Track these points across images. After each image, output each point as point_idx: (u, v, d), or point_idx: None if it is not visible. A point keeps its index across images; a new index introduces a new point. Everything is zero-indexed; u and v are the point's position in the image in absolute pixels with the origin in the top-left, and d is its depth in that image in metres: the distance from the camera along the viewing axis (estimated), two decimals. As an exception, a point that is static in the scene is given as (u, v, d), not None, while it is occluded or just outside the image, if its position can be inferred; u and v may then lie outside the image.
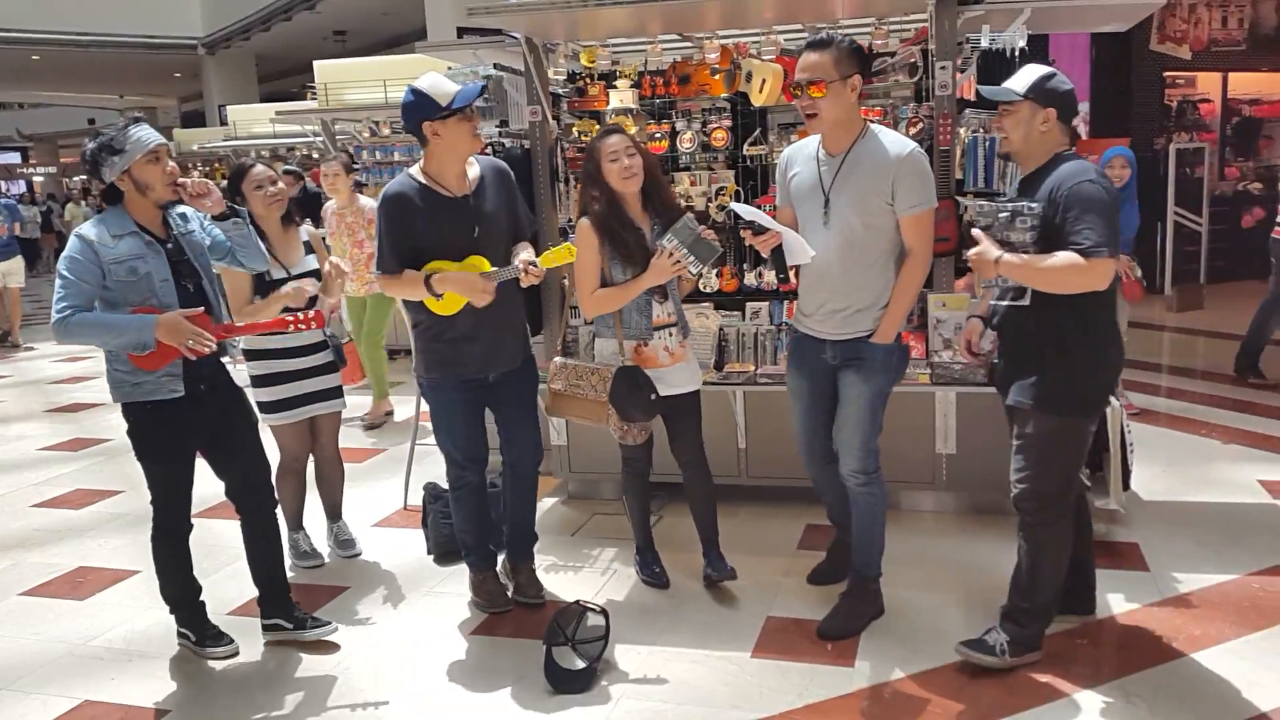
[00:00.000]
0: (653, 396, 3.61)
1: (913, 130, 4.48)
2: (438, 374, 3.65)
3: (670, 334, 3.71)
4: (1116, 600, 3.63)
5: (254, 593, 3.71)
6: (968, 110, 4.49)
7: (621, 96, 4.81)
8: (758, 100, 4.58)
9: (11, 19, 19.35)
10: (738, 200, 4.53)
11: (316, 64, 8.69)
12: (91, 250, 3.20)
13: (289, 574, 3.86)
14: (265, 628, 3.67)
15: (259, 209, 4.03)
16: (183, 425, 3.39)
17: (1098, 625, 3.47)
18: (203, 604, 3.64)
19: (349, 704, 3.25)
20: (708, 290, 4.83)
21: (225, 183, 4.21)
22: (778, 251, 3.36)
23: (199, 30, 22.06)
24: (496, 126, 5.01)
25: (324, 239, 4.40)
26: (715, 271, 4.80)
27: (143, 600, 4.09)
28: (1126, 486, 4.11)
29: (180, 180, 3.31)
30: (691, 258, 3.48)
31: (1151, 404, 6.33)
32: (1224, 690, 3.06)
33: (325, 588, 4.12)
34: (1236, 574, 3.83)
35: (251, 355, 4.14)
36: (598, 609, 3.47)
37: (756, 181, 4.89)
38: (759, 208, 3.45)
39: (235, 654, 3.57)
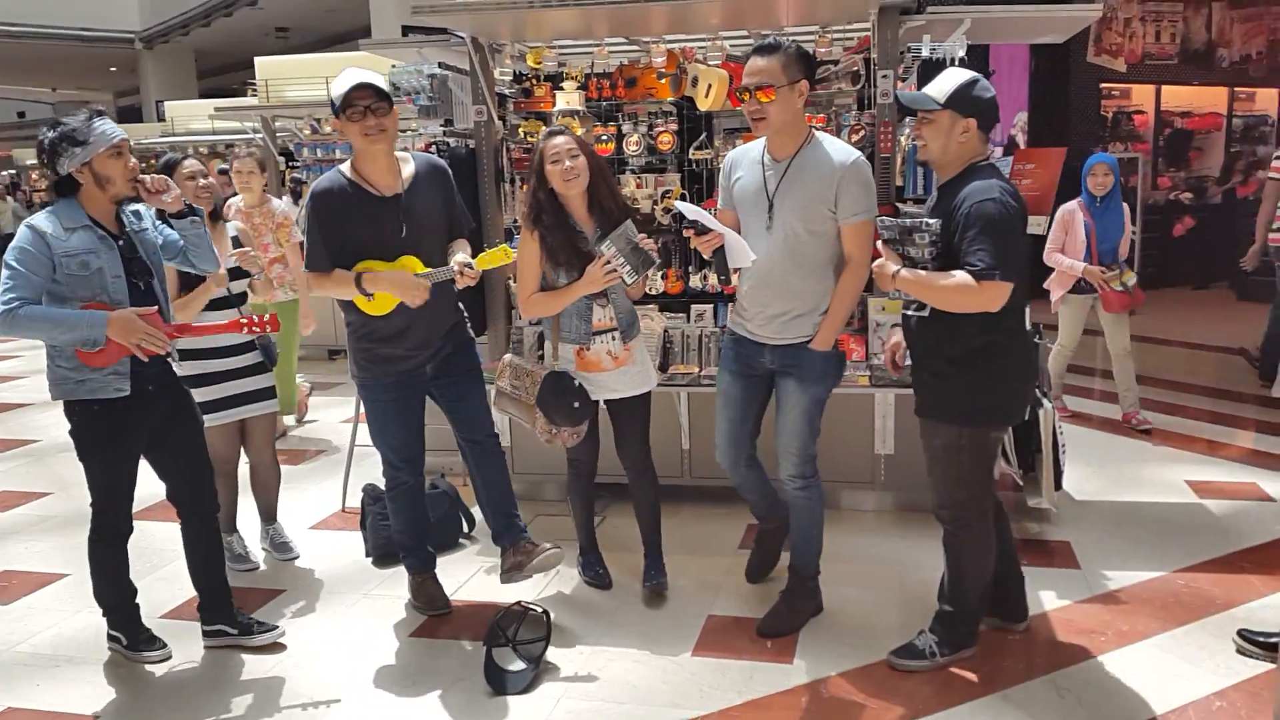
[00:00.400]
0: (576, 404, 3.56)
1: (855, 137, 4.55)
2: (370, 374, 3.61)
3: (613, 338, 3.66)
4: (1048, 597, 3.72)
5: (187, 595, 3.64)
6: (909, 118, 4.56)
7: (568, 98, 4.81)
8: (703, 105, 4.62)
9: (-61, 9, 18.80)
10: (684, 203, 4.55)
11: (257, 60, 8.57)
12: (44, 242, 3.11)
13: (223, 577, 3.79)
14: (207, 633, 3.59)
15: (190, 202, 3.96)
16: (127, 426, 3.31)
17: (1030, 622, 3.53)
18: (137, 607, 3.56)
19: (288, 707, 3.20)
20: (653, 292, 4.84)
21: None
22: (720, 253, 3.36)
23: (136, 24, 21.62)
24: (441, 125, 4.98)
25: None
26: (660, 274, 4.82)
27: (71, 604, 3.99)
28: (1059, 486, 4.22)
29: (139, 176, 3.26)
30: (627, 266, 3.44)
31: (1084, 407, 6.49)
32: (1150, 682, 3.15)
33: (261, 591, 4.06)
34: (1164, 571, 3.94)
35: (181, 355, 4.06)
36: (539, 610, 3.46)
37: (702, 185, 4.92)
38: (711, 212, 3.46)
39: (169, 658, 3.50)
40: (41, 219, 3.17)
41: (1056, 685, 3.14)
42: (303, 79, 8.07)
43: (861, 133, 4.57)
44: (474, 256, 3.49)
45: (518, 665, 3.30)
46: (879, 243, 3.13)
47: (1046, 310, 5.97)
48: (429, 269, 3.44)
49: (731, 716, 3.04)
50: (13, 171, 29.81)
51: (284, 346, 6.22)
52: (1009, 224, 2.93)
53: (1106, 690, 3.12)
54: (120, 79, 26.03)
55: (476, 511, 4.39)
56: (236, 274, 4.14)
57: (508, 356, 3.89)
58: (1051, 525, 4.42)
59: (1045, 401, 4.14)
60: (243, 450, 4.33)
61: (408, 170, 3.53)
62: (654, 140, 4.82)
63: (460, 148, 4.90)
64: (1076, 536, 4.30)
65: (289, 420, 6.65)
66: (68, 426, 3.32)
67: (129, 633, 3.52)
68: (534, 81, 5.02)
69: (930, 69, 4.43)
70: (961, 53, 4.43)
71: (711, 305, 4.85)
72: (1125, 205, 5.91)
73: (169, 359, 3.41)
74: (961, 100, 3.01)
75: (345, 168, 3.51)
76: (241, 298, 4.15)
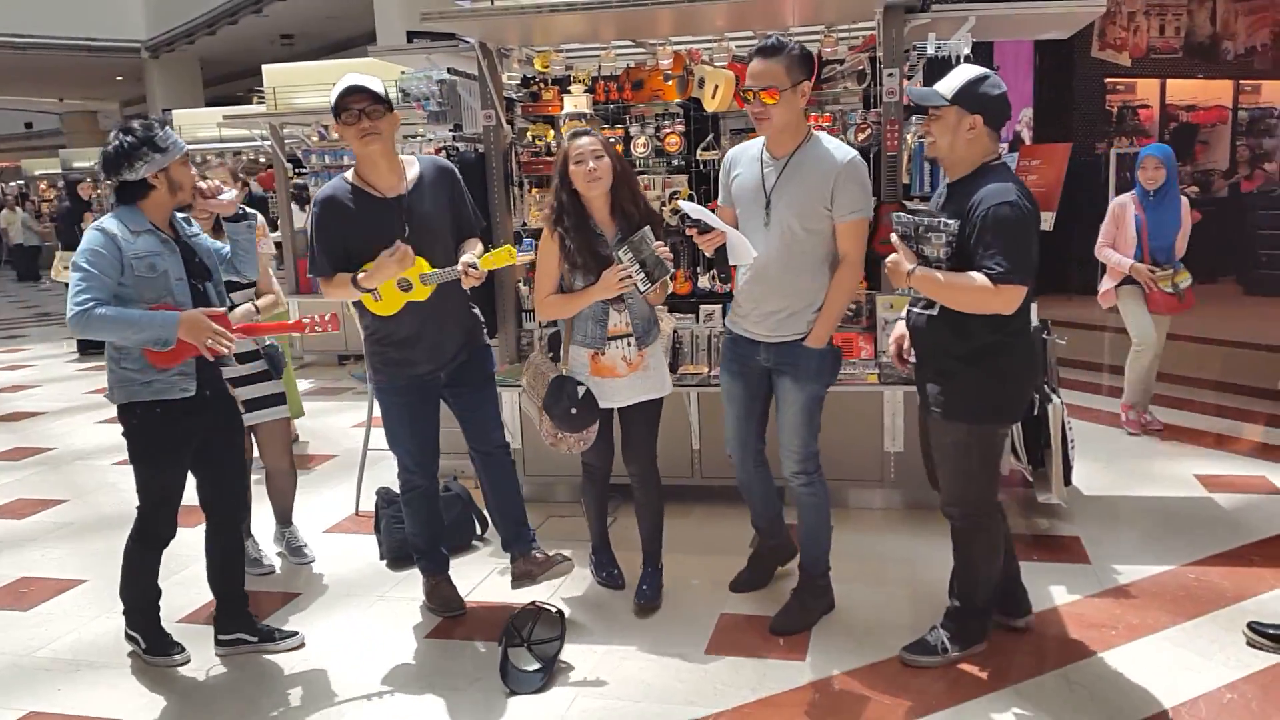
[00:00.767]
0: (573, 410, 3.54)
1: (861, 136, 4.57)
2: (385, 376, 3.65)
3: (628, 344, 3.63)
4: (1059, 592, 3.73)
5: (204, 600, 3.67)
6: (914, 116, 4.58)
7: (576, 101, 4.84)
8: (710, 106, 4.64)
9: (-54, 21, 18.90)
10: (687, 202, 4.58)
11: (265, 68, 8.61)
12: (114, 244, 3.17)
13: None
14: (222, 642, 3.60)
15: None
16: (184, 429, 3.36)
17: (1039, 617, 3.55)
18: (158, 610, 3.59)
19: (308, 708, 3.24)
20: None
21: None
22: (721, 251, 3.41)
23: (142, 33, 21.66)
24: (450, 130, 5.01)
25: None
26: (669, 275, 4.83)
27: (89, 610, 4.03)
28: (1068, 482, 4.23)
29: (198, 184, 3.38)
30: (641, 274, 3.40)
31: (1092, 402, 6.49)
32: (1161, 676, 3.16)
33: (277, 594, 4.09)
34: (1173, 565, 3.96)
35: None
36: (553, 610, 3.49)
37: (709, 186, 4.94)
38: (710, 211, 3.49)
39: (187, 661, 3.53)
40: (109, 222, 3.22)
41: (1068, 679, 3.16)
42: (310, 86, 8.12)
43: (868, 131, 4.59)
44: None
45: (533, 665, 3.33)
46: (893, 238, 3.13)
47: (1063, 307, 5.88)
48: (434, 269, 3.47)
49: (746, 714, 3.07)
50: (21, 182, 29.94)
51: None
52: (1025, 227, 2.94)
53: (1118, 683, 3.13)
54: (126, 88, 26.09)
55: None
56: (232, 287, 4.17)
57: (533, 355, 3.88)
58: (1061, 520, 4.44)
59: (1054, 397, 4.15)
60: (258, 456, 4.37)
61: (412, 172, 3.57)
62: (661, 142, 4.85)
63: (469, 152, 4.94)
64: (1086, 531, 4.32)
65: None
66: (120, 430, 3.36)
67: (147, 635, 3.55)
68: (542, 85, 5.05)
69: (936, 67, 4.46)
70: (966, 50, 4.45)
71: (720, 306, 4.87)
72: (1184, 200, 5.62)
73: (223, 362, 3.47)
74: (968, 96, 3.01)
75: (349, 173, 3.55)
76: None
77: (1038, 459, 4.33)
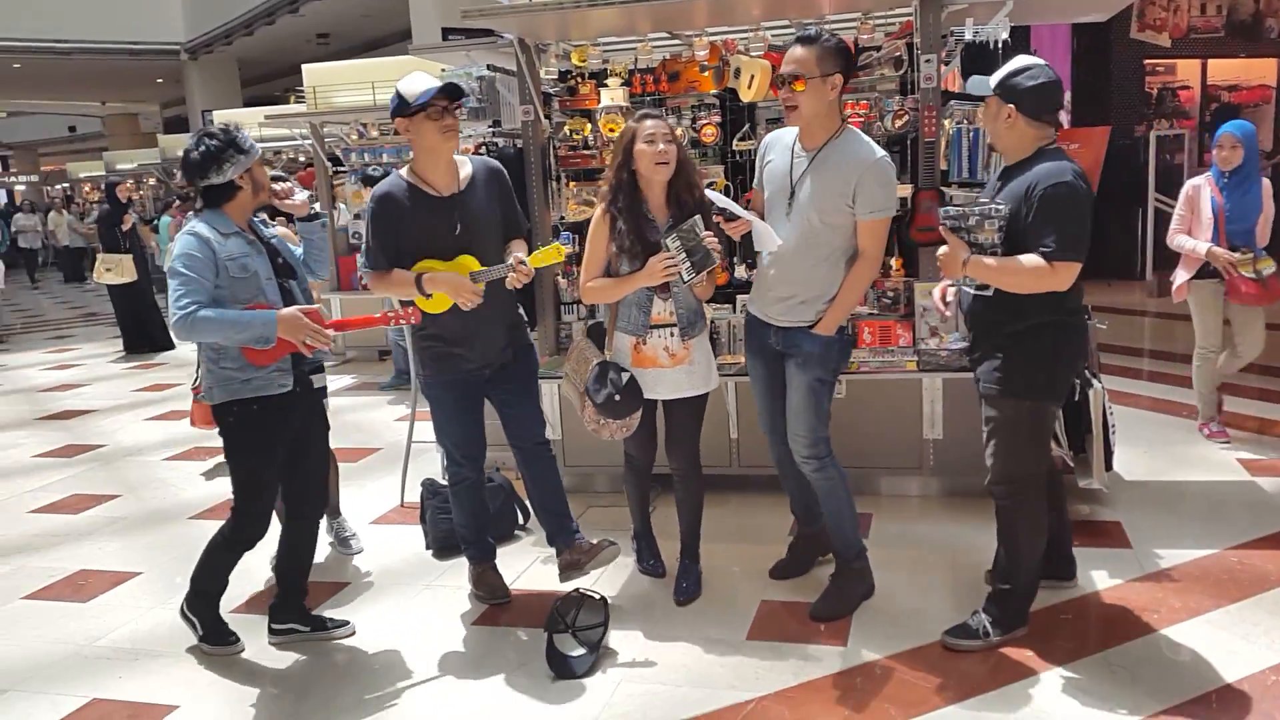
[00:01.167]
0: (616, 397, 3.53)
1: (898, 123, 4.58)
2: (432, 372, 3.72)
3: (671, 334, 3.63)
4: (1100, 576, 3.73)
5: (255, 590, 3.75)
6: (952, 102, 4.58)
7: (612, 94, 4.87)
8: (746, 96, 4.66)
9: (-8, 27, 19.31)
10: (727, 195, 4.61)
11: (305, 68, 8.71)
12: (209, 247, 3.26)
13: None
14: (276, 631, 3.69)
15: None
16: (281, 422, 3.44)
17: (1081, 601, 3.57)
18: (219, 600, 3.68)
19: (357, 694, 3.32)
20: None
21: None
22: (748, 238, 3.46)
23: (181, 35, 22.02)
24: (489, 126, 5.07)
25: None
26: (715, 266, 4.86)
27: (145, 600, 4.15)
28: (1109, 467, 4.22)
29: (272, 185, 3.51)
30: (687, 264, 3.39)
31: (1133, 388, 6.44)
32: (1203, 659, 3.16)
33: (326, 584, 4.18)
34: (1215, 549, 3.94)
35: None
36: (597, 596, 3.54)
37: (745, 176, 4.97)
38: (745, 202, 3.53)
39: (241, 651, 3.63)
40: (201, 226, 3.30)
41: (1109, 662, 3.17)
42: (349, 85, 8.21)
43: (905, 118, 4.59)
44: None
45: (578, 650, 3.39)
46: (943, 231, 3.17)
47: (1103, 292, 5.68)
48: (484, 268, 3.54)
49: (787, 698, 3.10)
50: (66, 185, 30.47)
51: None
52: (1079, 205, 3.01)
53: (1160, 666, 3.13)
54: (166, 90, 26.52)
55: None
56: None
57: (579, 339, 3.88)
58: (1102, 506, 4.42)
59: (1095, 382, 4.14)
60: None
61: (465, 172, 3.64)
62: (697, 133, 4.88)
63: (508, 147, 5.00)
64: (1128, 516, 4.30)
65: None
66: (218, 430, 3.45)
67: (204, 622, 3.64)
68: (579, 79, 5.09)
69: (973, 52, 4.45)
70: (1004, 34, 4.43)
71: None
72: (1266, 181, 5.16)
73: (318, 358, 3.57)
74: (1004, 87, 3.11)
75: (404, 170, 3.62)
76: None
77: (1079, 444, 4.32)
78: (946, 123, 4.55)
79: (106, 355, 10.88)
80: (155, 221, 13.01)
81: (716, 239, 3.45)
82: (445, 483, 4.27)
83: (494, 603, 3.87)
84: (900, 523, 4.37)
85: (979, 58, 4.42)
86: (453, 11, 4.87)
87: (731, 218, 3.41)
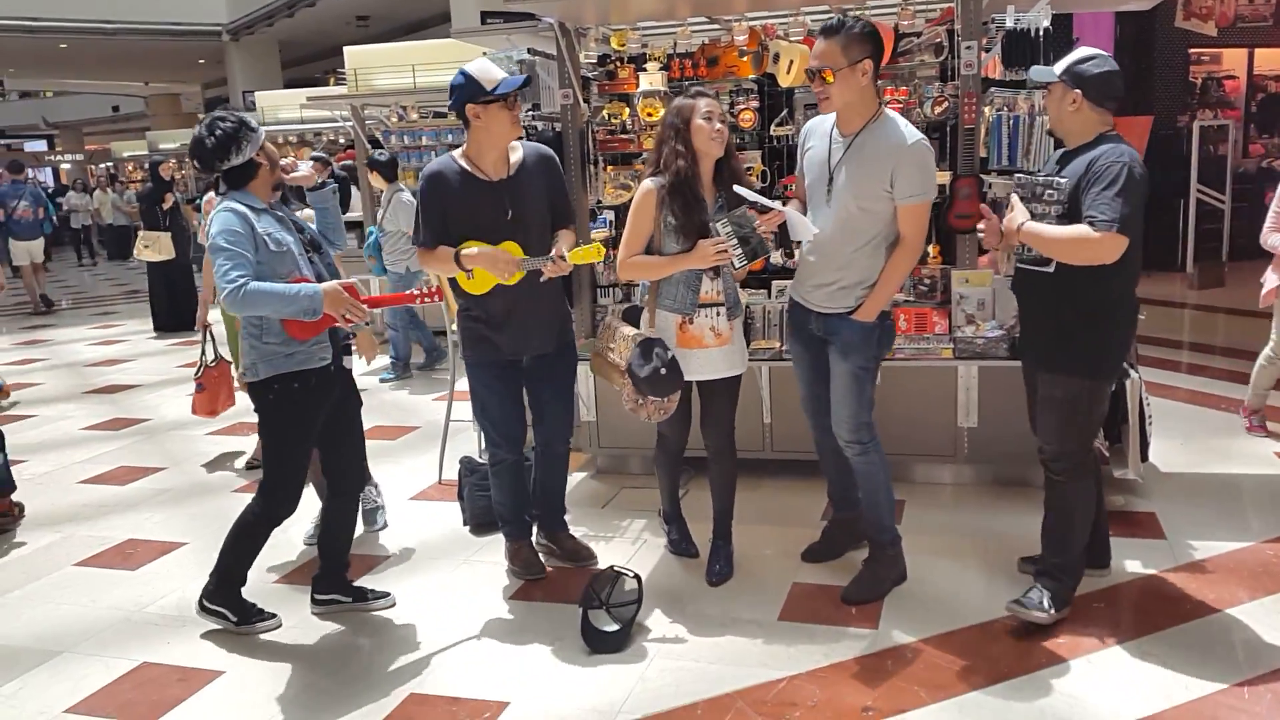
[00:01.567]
0: (663, 370, 3.50)
1: (938, 109, 4.57)
2: (473, 353, 3.79)
3: (718, 313, 3.62)
4: (1134, 566, 3.74)
5: (291, 562, 3.81)
6: (992, 89, 4.56)
7: (651, 79, 4.90)
8: (785, 81, 4.68)
9: (40, 7, 19.64)
10: (763, 180, 4.63)
11: (347, 50, 8.81)
12: (247, 222, 3.32)
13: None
14: (319, 601, 3.77)
15: None
16: (317, 399, 3.50)
17: (1114, 590, 3.58)
18: (241, 587, 3.72)
19: (394, 664, 3.40)
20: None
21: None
22: (783, 229, 3.49)
23: (223, 17, 22.26)
24: (529, 110, 5.12)
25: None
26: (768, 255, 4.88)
27: (191, 569, 4.25)
28: (1145, 458, 4.21)
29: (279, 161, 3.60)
30: (739, 250, 3.39)
31: (1171, 380, 6.39)
32: (1237, 649, 3.17)
33: (366, 558, 4.26)
34: (1251, 541, 3.93)
35: None
36: (631, 573, 3.59)
37: (783, 162, 4.98)
38: (783, 188, 3.56)
39: (279, 625, 3.70)
40: (236, 203, 3.36)
41: (1142, 649, 3.18)
42: (390, 67, 8.29)
43: (945, 105, 4.59)
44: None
45: (612, 626, 3.44)
46: (1013, 198, 3.30)
47: (1141, 284, 5.57)
48: (527, 256, 3.58)
49: (819, 677, 3.14)
50: (110, 164, 30.91)
51: None
52: (1134, 184, 3.08)
53: (1193, 656, 3.14)
54: (208, 71, 26.82)
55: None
56: None
57: (609, 318, 3.89)
58: (1137, 496, 4.42)
59: (1133, 372, 4.13)
60: None
61: (515, 157, 3.68)
62: (735, 118, 4.89)
63: (547, 130, 5.04)
64: (1163, 507, 4.29)
65: None
66: (254, 406, 3.50)
67: (231, 607, 3.66)
68: (618, 63, 5.12)
69: (1014, 40, 4.43)
70: (1046, 22, 4.41)
71: (791, 281, 4.90)
72: None
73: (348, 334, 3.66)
74: (1070, 73, 3.22)
75: (457, 154, 3.68)
76: None
77: (1115, 435, 4.32)
78: (986, 110, 4.54)
79: (147, 331, 11.08)
80: (198, 200, 13.19)
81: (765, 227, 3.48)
82: (483, 461, 4.34)
83: (529, 578, 3.94)
84: (934, 510, 4.39)
85: (1020, 45, 4.40)
86: (492, -6, 4.92)
87: (763, 210, 3.43)
